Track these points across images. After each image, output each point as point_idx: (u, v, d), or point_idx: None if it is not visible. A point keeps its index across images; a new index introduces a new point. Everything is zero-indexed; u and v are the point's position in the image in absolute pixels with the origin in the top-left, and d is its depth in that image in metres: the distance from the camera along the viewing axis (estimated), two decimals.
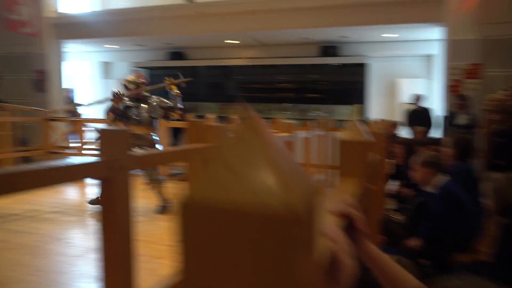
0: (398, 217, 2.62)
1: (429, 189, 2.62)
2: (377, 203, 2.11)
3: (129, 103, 4.45)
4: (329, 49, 9.00)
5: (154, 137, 4.48)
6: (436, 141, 4.35)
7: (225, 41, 9.37)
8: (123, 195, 1.45)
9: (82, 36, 9.11)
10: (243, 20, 7.80)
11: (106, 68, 11.59)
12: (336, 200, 0.69)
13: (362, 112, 8.76)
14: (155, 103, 4.46)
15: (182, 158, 2.11)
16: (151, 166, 1.69)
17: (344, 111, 8.97)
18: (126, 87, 4.40)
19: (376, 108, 8.73)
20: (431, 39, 7.69)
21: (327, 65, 8.97)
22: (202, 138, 2.22)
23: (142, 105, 4.43)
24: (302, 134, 4.38)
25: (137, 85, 4.40)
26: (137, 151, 4.21)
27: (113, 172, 1.39)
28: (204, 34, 8.38)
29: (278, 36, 8.52)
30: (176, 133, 8.49)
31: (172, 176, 6.49)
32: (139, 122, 4.39)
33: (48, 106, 8.67)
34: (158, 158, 1.75)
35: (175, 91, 4.55)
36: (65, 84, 9.55)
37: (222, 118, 8.27)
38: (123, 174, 1.44)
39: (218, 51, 9.98)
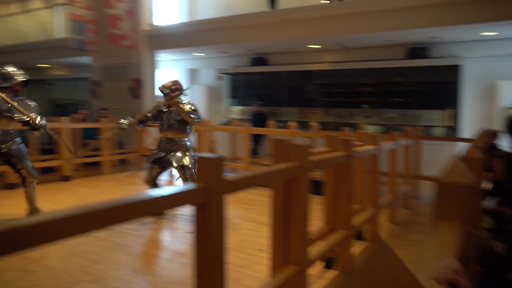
0: (499, 246, 2.39)
1: None
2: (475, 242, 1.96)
3: (163, 108, 4.55)
4: (417, 51, 8.49)
5: (186, 141, 4.51)
6: None
7: (308, 46, 9.32)
8: (218, 219, 1.53)
9: (173, 46, 9.73)
10: (326, 25, 7.69)
11: (193, 75, 12.23)
12: (440, 265, 0.66)
13: (454, 117, 8.12)
14: (186, 109, 4.41)
15: (271, 180, 2.14)
16: (243, 188, 1.73)
17: (433, 116, 8.38)
18: (162, 92, 4.47)
19: (471, 113, 8.02)
20: None
21: (414, 67, 8.46)
22: (288, 157, 2.25)
23: (174, 109, 4.46)
24: (388, 145, 4.20)
25: (172, 91, 4.44)
26: (171, 155, 4.36)
27: (208, 198, 1.47)
28: (286, 40, 8.44)
29: (362, 39, 8.25)
30: (257, 138, 8.68)
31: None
32: (170, 127, 4.46)
33: (142, 111, 9.41)
34: (249, 181, 1.80)
35: (185, 107, 4.39)
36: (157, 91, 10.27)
37: (302, 124, 8.25)
38: (218, 199, 1.52)
39: (300, 56, 9.98)
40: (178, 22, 10.42)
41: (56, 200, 5.27)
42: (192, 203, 1.45)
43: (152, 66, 9.95)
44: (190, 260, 3.24)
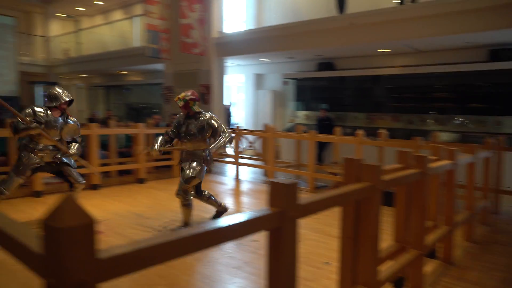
0: None
1: None
2: None
3: (182, 120, 4.46)
4: (500, 53, 7.86)
5: (205, 153, 4.39)
6: None
7: (378, 50, 9.04)
8: (291, 242, 1.56)
9: (240, 53, 9.96)
10: (397, 29, 7.39)
11: (259, 80, 12.42)
12: None
13: None
14: (203, 120, 4.34)
15: (343, 202, 2.13)
16: (316, 212, 1.75)
17: None
18: (178, 103, 4.37)
19: None
20: None
21: (496, 70, 7.83)
22: (359, 177, 2.21)
23: (193, 121, 4.38)
24: (466, 159, 3.95)
25: (186, 101, 4.31)
26: (189, 166, 4.29)
27: (282, 222, 1.51)
28: (355, 45, 8.26)
29: (437, 42, 7.80)
30: (322, 144, 8.57)
31: (318, 189, 6.60)
32: (188, 139, 4.36)
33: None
34: (321, 204, 1.81)
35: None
36: (225, 96, 10.59)
37: (369, 130, 8.00)
38: (291, 223, 1.55)
39: (368, 59, 9.71)
40: (245, 29, 10.65)
41: (131, 202, 5.64)
42: (266, 229, 1.50)
43: (221, 72, 10.27)
44: (256, 270, 3.33)
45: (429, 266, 3.36)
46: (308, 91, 11.07)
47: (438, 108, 8.73)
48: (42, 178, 5.75)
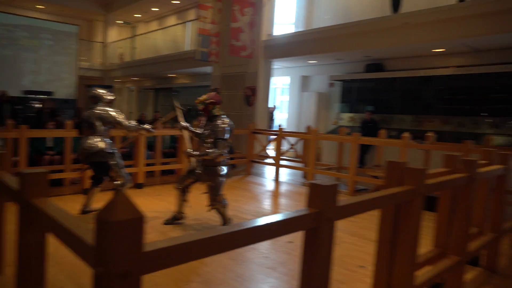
0: None
1: None
2: None
3: (204, 123, 4.46)
4: None
5: (219, 167, 4.33)
6: None
7: (432, 50, 8.68)
8: (327, 243, 1.59)
9: (288, 55, 9.98)
10: (455, 27, 7.05)
11: (304, 82, 12.37)
12: None
13: None
14: (215, 125, 4.30)
15: (382, 205, 2.12)
16: (354, 214, 1.76)
17: None
18: (198, 107, 4.35)
19: None
20: None
21: None
22: (402, 180, 2.18)
23: (210, 124, 4.34)
24: None
25: (205, 105, 4.30)
26: (202, 173, 4.31)
27: (319, 223, 1.54)
28: (408, 45, 8.02)
29: (497, 40, 7.32)
30: (366, 146, 8.40)
31: (357, 192, 6.49)
32: (204, 143, 4.32)
33: (254, 118, 9.87)
34: (360, 206, 1.82)
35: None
36: (271, 98, 10.66)
37: (417, 133, 7.73)
38: (328, 224, 1.58)
39: (419, 60, 9.37)
40: (293, 31, 10.66)
41: (173, 201, 5.82)
42: (303, 229, 1.53)
43: (267, 74, 10.36)
44: (289, 271, 3.35)
45: (471, 274, 3.22)
46: (354, 93, 10.89)
47: (493, 110, 8.26)
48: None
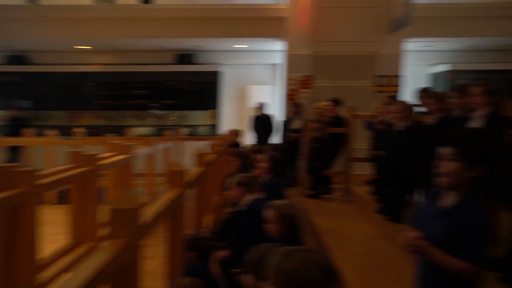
0: (205, 232, 3.01)
1: (240, 206, 3.04)
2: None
3: None
4: (185, 57, 9.23)
5: None
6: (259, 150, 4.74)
7: (75, 47, 8.91)
8: None
9: None
10: (96, 27, 7.58)
11: None
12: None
13: (215, 117, 9.26)
14: None
15: None
16: None
17: (198, 116, 9.37)
18: None
19: (229, 113, 9.32)
20: (276, 50, 8.50)
21: (182, 72, 9.20)
22: (11, 184, 2.20)
23: None
24: (143, 153, 4.52)
25: None
26: None
27: None
28: (51, 39, 7.96)
29: (132, 43, 8.51)
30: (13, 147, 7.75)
31: None
32: None
33: None
34: None
35: None
36: None
37: (69, 129, 7.79)
38: None
39: (67, 55, 9.36)
40: None
41: None
42: None
43: None
44: None
45: None
46: None
47: (136, 104, 9.46)
48: None
